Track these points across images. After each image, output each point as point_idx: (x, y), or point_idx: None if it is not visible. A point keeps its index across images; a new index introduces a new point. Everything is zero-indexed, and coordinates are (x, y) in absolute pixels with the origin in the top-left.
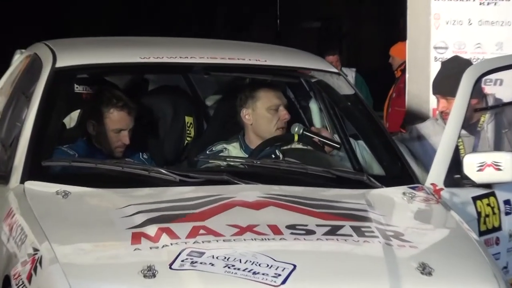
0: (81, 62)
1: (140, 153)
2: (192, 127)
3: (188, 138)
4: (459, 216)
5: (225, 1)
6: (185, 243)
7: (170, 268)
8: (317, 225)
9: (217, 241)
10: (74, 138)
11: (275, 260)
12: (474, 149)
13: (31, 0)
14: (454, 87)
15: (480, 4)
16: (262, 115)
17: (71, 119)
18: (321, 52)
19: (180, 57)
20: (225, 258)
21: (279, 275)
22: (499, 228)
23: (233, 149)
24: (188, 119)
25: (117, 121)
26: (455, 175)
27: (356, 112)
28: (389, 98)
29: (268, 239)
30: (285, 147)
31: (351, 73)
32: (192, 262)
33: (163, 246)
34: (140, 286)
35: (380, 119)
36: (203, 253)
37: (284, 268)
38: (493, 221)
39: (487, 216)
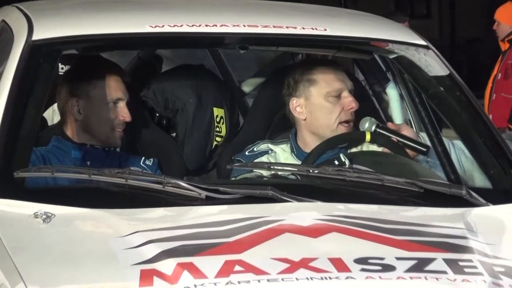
0: (67, 32)
1: (142, 158)
2: (223, 123)
3: (218, 138)
4: None
5: None
6: (215, 284)
7: None
8: (398, 258)
9: (258, 281)
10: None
11: None
12: None
13: None
14: None
15: None
16: (319, 105)
17: (54, 112)
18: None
19: (206, 25)
20: None
21: None
22: None
23: (282, 153)
24: (218, 112)
25: (113, 88)
26: None
27: (451, 100)
28: (493, 80)
29: (330, 278)
30: (352, 150)
31: None
32: None
33: None
34: None
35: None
36: None
37: None
38: None
39: None
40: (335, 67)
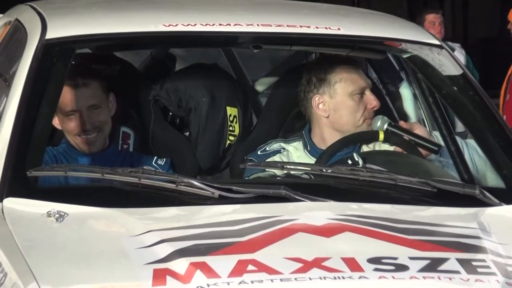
0: (80, 31)
1: (154, 158)
2: (236, 122)
3: (231, 137)
4: None
5: None
6: (228, 283)
7: None
8: (411, 258)
9: (271, 280)
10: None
11: None
12: None
13: None
14: None
15: None
16: (344, 103)
17: None
18: (412, 15)
19: (220, 24)
20: None
21: None
22: None
23: (294, 151)
24: (231, 111)
25: (65, 101)
26: None
27: (465, 100)
28: (507, 80)
29: (343, 277)
30: (365, 149)
31: (459, 50)
32: None
33: None
34: None
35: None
36: None
37: None
38: None
39: None
40: (357, 66)
